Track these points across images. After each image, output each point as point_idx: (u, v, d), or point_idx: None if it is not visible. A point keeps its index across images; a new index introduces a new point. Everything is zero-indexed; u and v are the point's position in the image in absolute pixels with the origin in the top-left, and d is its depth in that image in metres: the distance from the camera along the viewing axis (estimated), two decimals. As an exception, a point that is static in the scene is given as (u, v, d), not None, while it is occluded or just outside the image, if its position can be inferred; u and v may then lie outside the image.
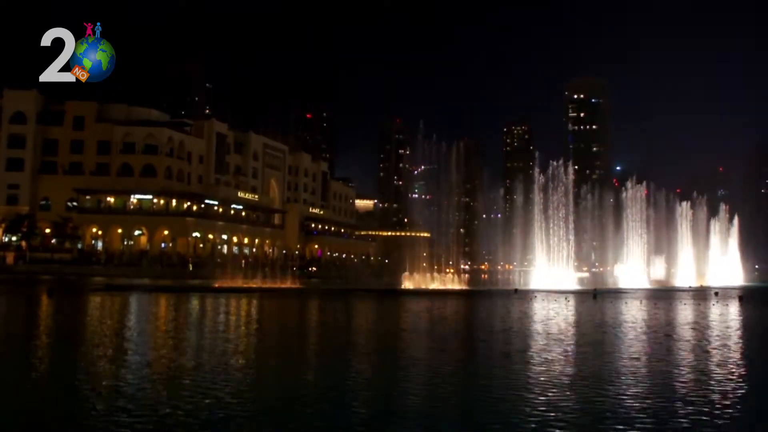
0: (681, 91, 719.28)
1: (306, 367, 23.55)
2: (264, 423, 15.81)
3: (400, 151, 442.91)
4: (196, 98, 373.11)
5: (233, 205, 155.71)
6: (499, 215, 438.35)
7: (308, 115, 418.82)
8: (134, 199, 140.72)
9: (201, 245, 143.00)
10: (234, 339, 31.22)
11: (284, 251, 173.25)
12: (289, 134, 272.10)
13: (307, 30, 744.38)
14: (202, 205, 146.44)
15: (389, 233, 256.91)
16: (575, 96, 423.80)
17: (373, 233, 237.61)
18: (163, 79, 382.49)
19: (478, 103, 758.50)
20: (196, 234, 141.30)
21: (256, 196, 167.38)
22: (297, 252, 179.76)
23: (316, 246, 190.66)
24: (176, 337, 31.33)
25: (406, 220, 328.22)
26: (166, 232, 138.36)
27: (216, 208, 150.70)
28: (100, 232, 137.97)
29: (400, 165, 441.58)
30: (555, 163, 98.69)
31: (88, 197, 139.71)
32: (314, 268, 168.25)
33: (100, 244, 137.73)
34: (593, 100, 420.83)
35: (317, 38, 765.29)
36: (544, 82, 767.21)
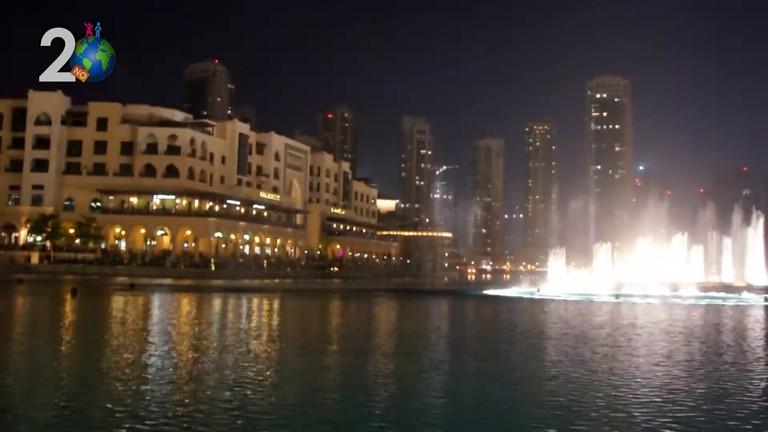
0: (702, 90, 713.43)
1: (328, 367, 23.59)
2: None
3: (421, 151, 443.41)
4: (218, 99, 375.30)
5: (255, 206, 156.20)
6: (521, 215, 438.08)
7: (330, 116, 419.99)
8: (157, 199, 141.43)
9: (223, 245, 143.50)
10: (256, 338, 31.34)
11: (306, 251, 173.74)
12: (311, 134, 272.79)
13: (328, 30, 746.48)
14: (224, 206, 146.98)
15: (411, 233, 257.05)
16: (597, 95, 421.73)
17: (395, 233, 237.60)
18: (186, 80, 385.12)
19: (500, 102, 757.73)
20: (219, 234, 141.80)
21: (278, 197, 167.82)
22: (319, 252, 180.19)
23: (338, 246, 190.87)
24: (199, 336, 31.47)
25: (427, 220, 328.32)
26: (188, 233, 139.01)
27: (238, 208, 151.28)
28: (123, 233, 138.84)
29: (422, 165, 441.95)
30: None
31: (111, 198, 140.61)
32: (336, 268, 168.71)
33: (123, 244, 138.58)
34: (616, 100, 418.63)
35: (338, 38, 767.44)
36: (566, 82, 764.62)
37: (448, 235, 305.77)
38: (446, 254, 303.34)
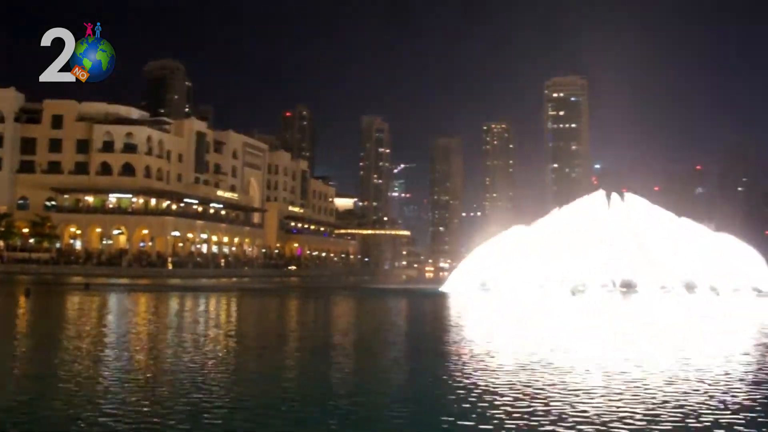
0: (657, 89, 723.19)
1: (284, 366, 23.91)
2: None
3: (380, 149, 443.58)
4: (176, 96, 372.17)
5: (213, 204, 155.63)
6: (479, 213, 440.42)
7: (288, 114, 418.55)
8: (113, 198, 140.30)
9: (180, 244, 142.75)
10: (213, 338, 31.52)
11: (264, 250, 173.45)
12: (269, 132, 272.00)
13: (288, 29, 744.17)
14: (182, 204, 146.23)
15: (369, 232, 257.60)
16: (555, 95, 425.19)
17: (353, 231, 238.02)
18: (142, 78, 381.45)
19: (459, 101, 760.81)
20: (176, 233, 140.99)
21: (236, 195, 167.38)
22: (277, 251, 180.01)
23: (296, 244, 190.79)
24: (153, 337, 31.57)
25: (385, 218, 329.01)
26: (145, 231, 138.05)
27: (195, 207, 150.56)
28: (78, 232, 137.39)
29: (380, 163, 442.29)
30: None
31: (66, 196, 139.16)
32: (294, 267, 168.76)
33: (78, 244, 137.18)
34: (572, 99, 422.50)
35: (297, 36, 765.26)
36: (524, 81, 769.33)
37: (406, 233, 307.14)
38: (404, 252, 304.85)
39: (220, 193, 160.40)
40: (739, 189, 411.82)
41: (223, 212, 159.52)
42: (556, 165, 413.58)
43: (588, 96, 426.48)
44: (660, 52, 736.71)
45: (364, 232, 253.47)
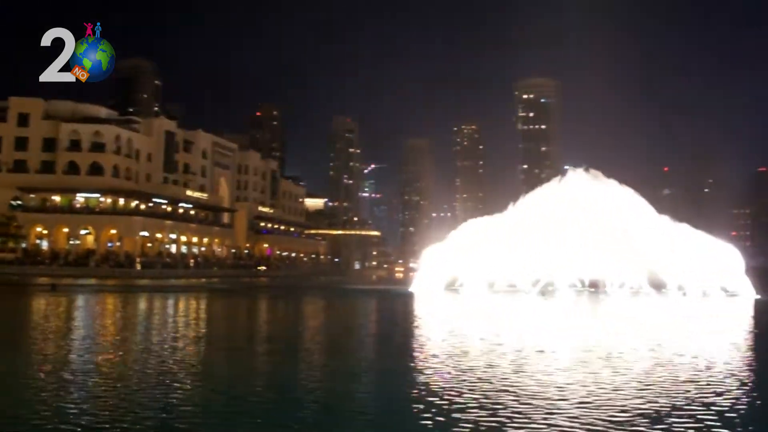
0: (626, 91, 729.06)
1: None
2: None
3: (350, 149, 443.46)
4: (145, 95, 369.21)
5: (182, 204, 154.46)
6: (449, 214, 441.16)
7: (258, 113, 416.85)
8: (81, 197, 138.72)
9: (149, 244, 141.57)
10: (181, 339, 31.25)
11: (233, 250, 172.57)
12: (239, 132, 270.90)
13: (258, 28, 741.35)
14: (150, 204, 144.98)
15: (339, 232, 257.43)
16: (525, 96, 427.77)
17: (323, 232, 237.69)
18: (111, 76, 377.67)
19: (430, 102, 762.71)
20: (144, 233, 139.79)
21: (205, 195, 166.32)
22: (246, 251, 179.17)
23: (266, 245, 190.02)
24: (120, 339, 31.26)
25: (356, 218, 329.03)
26: (113, 231, 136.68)
27: (164, 206, 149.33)
28: (45, 232, 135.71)
29: (351, 164, 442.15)
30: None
31: (32, 196, 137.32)
32: (263, 267, 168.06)
33: (45, 244, 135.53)
34: (543, 101, 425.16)
35: (268, 36, 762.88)
36: (495, 82, 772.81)
37: (377, 233, 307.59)
38: (374, 253, 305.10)
39: (189, 192, 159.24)
40: (706, 190, 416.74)
41: (192, 212, 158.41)
42: (526, 166, 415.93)
43: (558, 98, 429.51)
44: (629, 55, 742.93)
45: (335, 232, 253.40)
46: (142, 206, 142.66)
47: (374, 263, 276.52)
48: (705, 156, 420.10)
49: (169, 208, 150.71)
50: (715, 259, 76.70)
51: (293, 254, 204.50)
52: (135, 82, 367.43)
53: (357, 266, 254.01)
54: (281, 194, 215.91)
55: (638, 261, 75.87)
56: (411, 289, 79.38)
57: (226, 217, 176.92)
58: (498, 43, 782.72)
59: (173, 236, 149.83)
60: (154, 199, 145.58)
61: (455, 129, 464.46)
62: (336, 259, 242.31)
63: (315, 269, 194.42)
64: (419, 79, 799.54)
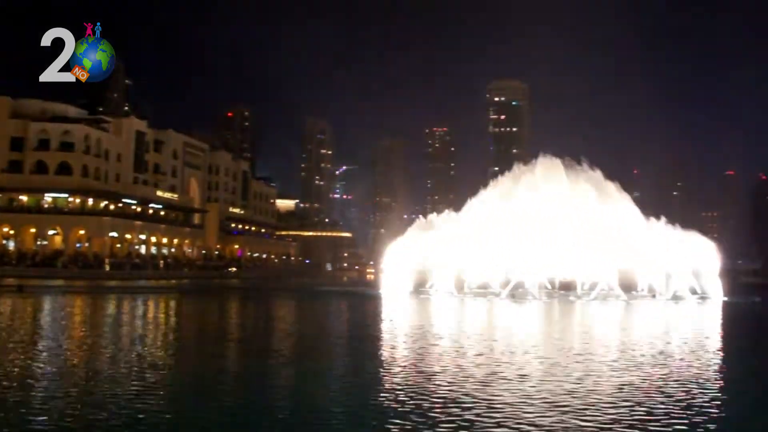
0: (596, 93, 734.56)
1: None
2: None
3: (322, 150, 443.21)
4: (115, 95, 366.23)
5: (152, 205, 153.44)
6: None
7: (229, 114, 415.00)
8: (49, 197, 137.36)
9: (118, 245, 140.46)
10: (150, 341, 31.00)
11: (204, 251, 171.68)
12: (210, 133, 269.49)
13: (229, 28, 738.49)
14: (120, 204, 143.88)
15: (310, 233, 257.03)
16: (496, 98, 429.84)
17: (294, 233, 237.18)
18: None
19: (401, 104, 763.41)
20: (114, 234, 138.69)
21: (176, 195, 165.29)
22: (217, 252, 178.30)
23: (236, 246, 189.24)
24: (88, 341, 30.93)
25: (327, 219, 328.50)
26: (82, 232, 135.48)
27: (134, 207, 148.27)
28: (12, 232, 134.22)
29: (322, 165, 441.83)
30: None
31: None
32: (234, 268, 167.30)
33: (12, 244, 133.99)
34: (513, 103, 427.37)
35: (240, 36, 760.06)
36: (467, 84, 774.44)
37: (348, 235, 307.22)
38: (346, 254, 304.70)
39: (159, 193, 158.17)
40: (675, 193, 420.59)
41: (162, 213, 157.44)
42: (497, 168, 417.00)
43: (529, 100, 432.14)
44: (599, 58, 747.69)
45: (306, 233, 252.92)
46: (112, 206, 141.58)
47: (345, 265, 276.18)
48: (674, 159, 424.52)
49: (139, 209, 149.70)
50: (691, 258, 74.62)
51: (264, 255, 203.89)
52: (105, 82, 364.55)
53: (328, 267, 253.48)
54: (252, 195, 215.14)
55: (610, 261, 72.75)
56: (379, 290, 79.11)
57: (196, 218, 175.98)
58: (471, 45, 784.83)
59: (143, 237, 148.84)
60: (123, 200, 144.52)
61: (426, 131, 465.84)
62: (307, 261, 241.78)
63: (286, 270, 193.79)
64: (391, 80, 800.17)
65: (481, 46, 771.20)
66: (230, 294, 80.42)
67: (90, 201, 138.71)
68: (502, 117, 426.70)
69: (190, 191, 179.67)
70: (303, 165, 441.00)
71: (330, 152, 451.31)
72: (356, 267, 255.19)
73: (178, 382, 21.31)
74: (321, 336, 36.45)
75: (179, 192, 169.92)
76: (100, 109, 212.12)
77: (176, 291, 79.82)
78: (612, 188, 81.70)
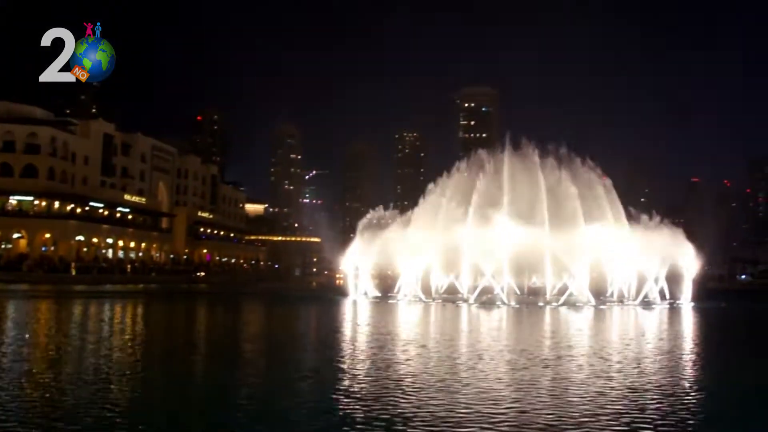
0: (567, 101, 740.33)
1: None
2: None
3: (291, 155, 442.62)
4: (83, 97, 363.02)
5: (119, 208, 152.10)
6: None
7: (199, 118, 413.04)
8: (14, 200, 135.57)
9: (85, 249, 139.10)
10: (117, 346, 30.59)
11: (172, 255, 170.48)
12: (179, 136, 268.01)
13: (200, 31, 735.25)
14: (87, 208, 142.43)
15: (279, 238, 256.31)
16: (466, 104, 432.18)
17: (263, 238, 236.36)
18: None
19: (372, 108, 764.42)
20: (80, 237, 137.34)
21: (143, 199, 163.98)
22: (185, 256, 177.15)
23: (205, 250, 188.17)
24: (52, 345, 30.46)
25: (296, 225, 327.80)
26: (47, 236, 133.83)
27: (101, 210, 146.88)
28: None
29: (292, 169, 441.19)
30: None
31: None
32: (202, 273, 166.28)
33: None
34: (483, 109, 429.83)
35: (210, 39, 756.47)
36: (437, 90, 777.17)
37: (317, 240, 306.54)
38: (315, 259, 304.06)
39: (127, 197, 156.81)
40: (642, 200, 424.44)
41: (130, 217, 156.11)
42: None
43: (499, 106, 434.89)
44: (572, 65, 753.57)
45: (275, 238, 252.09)
46: (78, 210, 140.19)
47: (315, 270, 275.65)
48: (641, 166, 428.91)
49: (106, 212, 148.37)
50: (667, 262, 73.45)
51: (233, 260, 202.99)
52: (73, 83, 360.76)
53: (297, 273, 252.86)
54: (221, 199, 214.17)
55: (581, 266, 70.22)
56: (345, 295, 78.83)
57: (164, 222, 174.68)
58: (441, 50, 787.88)
59: (110, 241, 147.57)
60: (90, 203, 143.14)
61: (396, 136, 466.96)
62: (276, 266, 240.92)
63: (255, 275, 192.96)
64: (362, 85, 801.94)
65: (453, 52, 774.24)
66: (197, 299, 79.83)
67: (56, 204, 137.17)
68: (472, 123, 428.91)
69: (158, 195, 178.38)
70: (272, 169, 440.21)
71: (299, 157, 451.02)
72: (325, 272, 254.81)
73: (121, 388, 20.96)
74: (269, 342, 36.20)
75: (147, 196, 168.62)
76: (68, 111, 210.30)
77: (143, 296, 79.08)
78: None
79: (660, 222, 78.48)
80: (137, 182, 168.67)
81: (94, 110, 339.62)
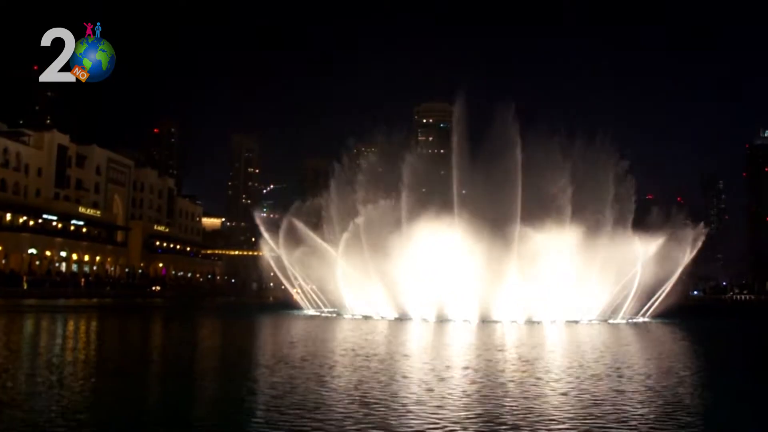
0: (526, 114, 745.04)
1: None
2: None
3: (249, 169, 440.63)
4: (37, 107, 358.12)
5: (73, 221, 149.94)
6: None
7: (156, 130, 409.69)
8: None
9: (37, 262, 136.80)
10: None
11: (127, 269, 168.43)
12: (136, 149, 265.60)
13: (157, 41, 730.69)
14: (40, 220, 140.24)
15: (236, 252, 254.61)
16: (424, 120, 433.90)
17: (220, 252, 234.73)
18: (1, 85, 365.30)
19: (331, 123, 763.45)
20: (33, 250, 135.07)
21: (98, 212, 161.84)
22: (141, 270, 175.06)
23: (161, 264, 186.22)
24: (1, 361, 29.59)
25: (253, 239, 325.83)
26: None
27: (54, 223, 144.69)
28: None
29: (249, 183, 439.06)
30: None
31: None
32: (158, 287, 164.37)
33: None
34: (441, 125, 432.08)
35: (168, 51, 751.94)
36: (396, 105, 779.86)
37: (274, 254, 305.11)
38: (272, 274, 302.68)
39: (81, 209, 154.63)
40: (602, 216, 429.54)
41: (84, 230, 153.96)
42: (424, 190, 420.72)
43: (456, 122, 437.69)
44: (525, 78, 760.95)
45: (232, 252, 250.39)
46: (31, 222, 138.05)
47: (272, 284, 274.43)
48: (621, 176, 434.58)
49: (60, 225, 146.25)
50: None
51: (189, 274, 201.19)
52: (26, 93, 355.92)
53: (254, 287, 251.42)
54: (178, 213, 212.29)
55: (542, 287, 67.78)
56: (299, 310, 78.51)
57: (119, 236, 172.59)
58: (402, 65, 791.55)
59: (64, 254, 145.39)
60: (43, 215, 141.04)
61: (355, 151, 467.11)
62: (233, 280, 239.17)
63: (211, 290, 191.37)
64: (321, 99, 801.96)
65: (409, 67, 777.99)
66: (151, 314, 78.80)
67: (8, 216, 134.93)
68: (430, 138, 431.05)
69: (113, 208, 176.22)
70: (230, 183, 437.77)
71: (257, 171, 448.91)
72: (282, 287, 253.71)
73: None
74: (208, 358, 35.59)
75: (102, 209, 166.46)
76: (21, 121, 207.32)
77: (96, 310, 77.69)
78: None
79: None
80: (92, 195, 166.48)
81: (48, 121, 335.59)
